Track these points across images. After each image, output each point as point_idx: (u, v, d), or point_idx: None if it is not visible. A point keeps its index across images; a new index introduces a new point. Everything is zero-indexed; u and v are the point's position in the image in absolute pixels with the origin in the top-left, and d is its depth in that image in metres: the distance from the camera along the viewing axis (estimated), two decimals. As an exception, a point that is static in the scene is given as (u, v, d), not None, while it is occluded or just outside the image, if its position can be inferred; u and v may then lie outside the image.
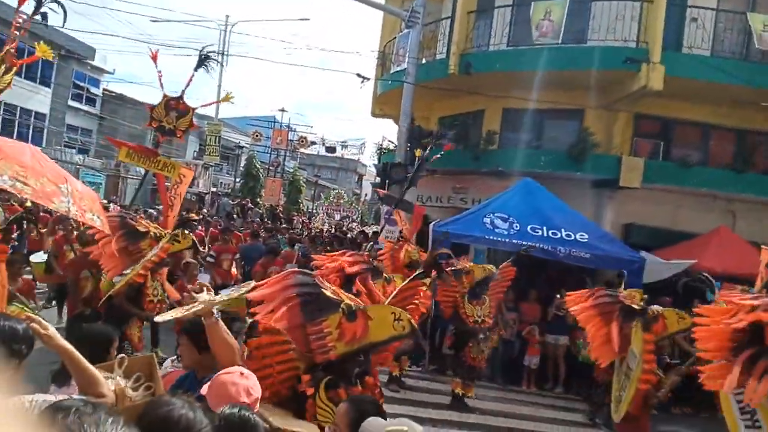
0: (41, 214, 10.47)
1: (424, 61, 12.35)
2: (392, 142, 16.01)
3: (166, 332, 6.54)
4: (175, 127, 7.07)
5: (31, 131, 24.74)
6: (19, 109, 23.96)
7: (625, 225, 10.83)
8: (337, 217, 26.14)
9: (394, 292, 3.99)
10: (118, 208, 14.89)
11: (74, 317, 6.25)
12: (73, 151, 27.13)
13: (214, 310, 2.72)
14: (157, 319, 3.83)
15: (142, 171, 8.45)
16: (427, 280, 4.30)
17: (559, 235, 8.57)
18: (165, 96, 7.06)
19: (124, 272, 5.59)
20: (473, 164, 11.25)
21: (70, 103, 27.34)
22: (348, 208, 28.14)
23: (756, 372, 2.66)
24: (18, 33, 4.20)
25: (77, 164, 25.51)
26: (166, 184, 7.37)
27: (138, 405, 2.32)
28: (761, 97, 9.83)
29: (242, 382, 2.30)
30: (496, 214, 8.84)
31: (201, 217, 14.69)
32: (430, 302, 5.81)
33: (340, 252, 6.21)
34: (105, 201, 15.82)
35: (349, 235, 15.83)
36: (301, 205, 35.02)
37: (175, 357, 3.54)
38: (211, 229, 12.04)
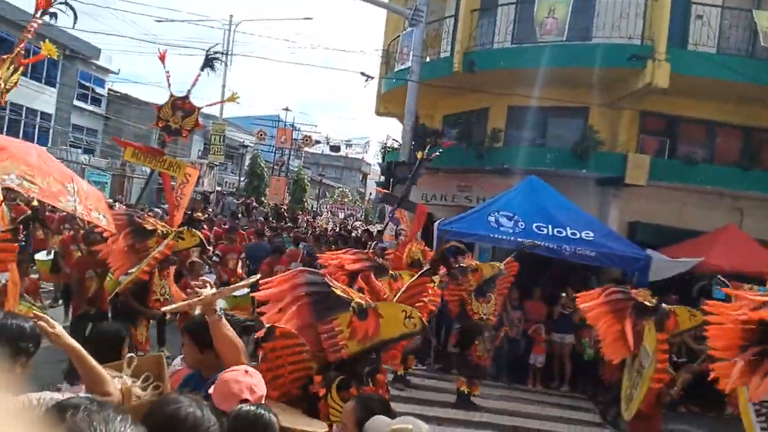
0: (46, 213, 10.52)
1: (428, 59, 12.33)
2: (396, 141, 16.01)
3: (173, 331, 6.57)
4: (181, 127, 7.11)
5: (36, 131, 24.86)
6: (24, 109, 24.07)
7: (631, 223, 10.79)
8: (342, 215, 26.20)
9: (402, 289, 3.99)
10: (124, 207, 14.97)
11: (79, 317, 6.29)
12: (79, 150, 27.25)
13: (218, 308, 2.72)
14: (164, 309, 3.85)
15: (148, 170, 8.50)
16: (436, 278, 4.29)
17: (564, 234, 8.54)
18: (172, 96, 7.09)
19: (130, 271, 5.62)
20: (478, 162, 11.23)
21: (76, 103, 27.45)
22: (352, 207, 28.19)
23: (762, 370, 2.67)
24: (30, 35, 4.23)
25: (83, 164, 25.63)
26: (172, 183, 7.41)
27: (145, 403, 2.33)
28: (767, 94, 9.77)
29: (245, 380, 2.30)
30: (500, 213, 8.81)
31: (206, 216, 14.74)
32: (439, 300, 5.81)
33: (344, 250, 6.22)
34: (110, 200, 15.88)
35: (353, 234, 15.85)
36: (306, 204, 35.06)
37: (182, 356, 3.55)
38: (215, 228, 12.09)
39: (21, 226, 7.78)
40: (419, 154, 8.92)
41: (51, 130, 25.87)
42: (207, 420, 1.74)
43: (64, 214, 9.89)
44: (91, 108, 28.75)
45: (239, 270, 9.75)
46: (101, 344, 3.13)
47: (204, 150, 29.28)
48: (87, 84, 28.23)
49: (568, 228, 8.62)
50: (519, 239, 8.29)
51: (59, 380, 4.44)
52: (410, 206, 9.09)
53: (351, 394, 2.91)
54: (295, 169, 36.66)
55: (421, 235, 9.01)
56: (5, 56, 4.16)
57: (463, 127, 12.21)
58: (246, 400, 2.20)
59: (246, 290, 8.19)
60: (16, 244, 3.99)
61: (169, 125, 7.09)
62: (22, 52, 4.16)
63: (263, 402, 2.28)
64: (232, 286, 3.44)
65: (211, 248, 8.74)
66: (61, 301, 8.87)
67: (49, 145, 23.85)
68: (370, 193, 45.79)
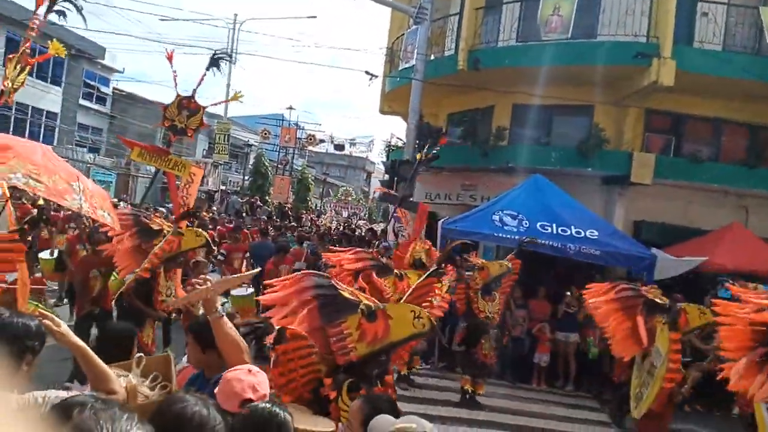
0: (51, 213, 10.57)
1: (432, 57, 12.32)
2: (401, 140, 16.01)
3: (177, 331, 6.58)
4: (186, 126, 7.13)
5: (42, 130, 24.97)
6: (30, 108, 24.18)
7: (636, 222, 10.75)
8: (345, 214, 26.21)
9: (410, 290, 3.99)
10: (129, 206, 15.02)
11: (83, 317, 6.30)
12: (84, 149, 27.35)
13: (219, 306, 2.71)
14: (165, 306, 3.85)
15: (153, 170, 8.54)
16: (445, 283, 4.27)
17: (569, 232, 8.52)
18: (178, 95, 7.12)
19: (136, 271, 5.63)
20: (482, 161, 11.21)
21: (81, 102, 27.56)
22: (356, 206, 28.19)
23: (767, 370, 2.68)
24: (32, 33, 4.25)
25: (88, 163, 25.73)
26: (177, 182, 7.44)
27: (151, 402, 2.34)
28: (774, 92, 9.73)
29: (248, 379, 2.29)
30: (505, 211, 8.80)
31: (210, 215, 14.77)
32: (447, 306, 5.84)
33: (347, 249, 6.23)
34: (115, 200, 15.93)
35: (357, 233, 15.86)
36: (310, 202, 35.09)
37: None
38: (219, 227, 12.11)
39: (28, 227, 7.80)
40: (418, 156, 8.92)
41: (56, 129, 25.98)
42: (213, 419, 1.75)
43: (69, 213, 9.94)
44: (96, 107, 28.86)
45: (243, 269, 9.77)
46: (112, 343, 3.15)
47: (208, 149, 29.35)
48: (92, 83, 28.34)
49: (572, 227, 8.60)
50: (523, 238, 8.28)
51: (64, 378, 4.45)
52: (411, 206, 9.08)
53: None
54: (299, 168, 36.69)
55: (425, 234, 9.00)
56: (11, 56, 4.18)
57: (468, 126, 12.19)
58: (249, 400, 2.20)
59: (249, 290, 8.23)
60: (24, 245, 4.00)
61: (174, 125, 7.12)
62: (28, 51, 4.17)
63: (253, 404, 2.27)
64: (227, 277, 3.42)
65: (215, 248, 8.75)
66: (66, 300, 8.91)
67: (54, 144, 23.93)
68: (374, 192, 45.78)
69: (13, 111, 22.16)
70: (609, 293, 5.21)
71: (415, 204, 9.09)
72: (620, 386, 7.01)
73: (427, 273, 4.18)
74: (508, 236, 8.46)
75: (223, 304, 2.79)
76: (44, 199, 10.61)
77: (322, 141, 33.57)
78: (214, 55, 7.39)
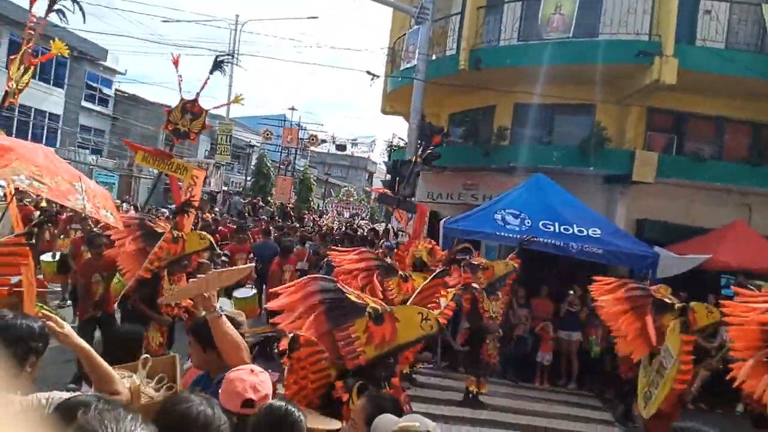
0: (57, 215, 10.60)
1: (434, 57, 12.31)
2: (402, 140, 16.01)
3: (181, 332, 6.59)
4: (189, 130, 7.18)
5: (45, 132, 25.04)
6: (33, 110, 24.24)
7: (638, 220, 10.73)
8: (347, 214, 26.21)
9: (416, 292, 3.98)
10: (132, 208, 15.06)
11: (86, 321, 6.30)
12: (87, 151, 27.42)
13: (217, 306, 2.71)
14: (160, 300, 3.84)
15: (155, 171, 8.58)
16: (451, 291, 4.27)
17: (571, 231, 8.51)
18: (182, 99, 7.16)
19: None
20: (484, 160, 11.21)
21: (83, 103, 27.61)
22: (357, 206, 28.19)
23: None
24: (33, 32, 4.26)
25: (90, 164, 25.79)
26: (179, 183, 7.48)
27: (156, 402, 2.35)
28: (777, 90, 9.71)
29: (250, 379, 2.30)
30: (507, 210, 8.80)
31: (213, 216, 14.79)
32: (451, 313, 5.84)
33: (351, 249, 6.22)
34: (118, 201, 15.96)
35: (359, 233, 15.86)
36: (312, 203, 35.10)
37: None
38: (221, 227, 12.12)
39: (36, 229, 7.83)
40: (413, 157, 8.93)
41: (59, 131, 26.04)
42: (218, 418, 1.75)
43: (71, 214, 9.98)
44: (98, 109, 28.92)
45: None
46: (119, 346, 3.16)
47: (211, 150, 29.39)
48: (94, 85, 28.40)
49: (575, 225, 8.60)
50: (524, 237, 8.28)
51: (67, 380, 4.47)
52: (409, 206, 9.08)
53: None
54: (302, 169, 36.70)
55: (427, 234, 9.01)
56: (14, 56, 4.20)
57: (470, 125, 12.19)
58: (250, 400, 2.21)
59: (252, 292, 8.24)
60: (31, 248, 4.02)
61: (178, 128, 7.17)
62: (30, 51, 4.19)
63: (269, 401, 2.28)
64: (222, 270, 3.40)
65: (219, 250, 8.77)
66: (69, 302, 8.93)
67: (57, 146, 24.01)
68: (372, 193, 45.74)
69: (17, 113, 22.22)
70: (618, 292, 5.21)
71: (413, 204, 9.09)
72: (623, 384, 7.01)
73: (433, 275, 4.18)
74: (511, 235, 8.45)
75: (221, 308, 2.77)
76: (47, 201, 10.66)
77: (324, 141, 33.58)
78: (217, 58, 7.44)
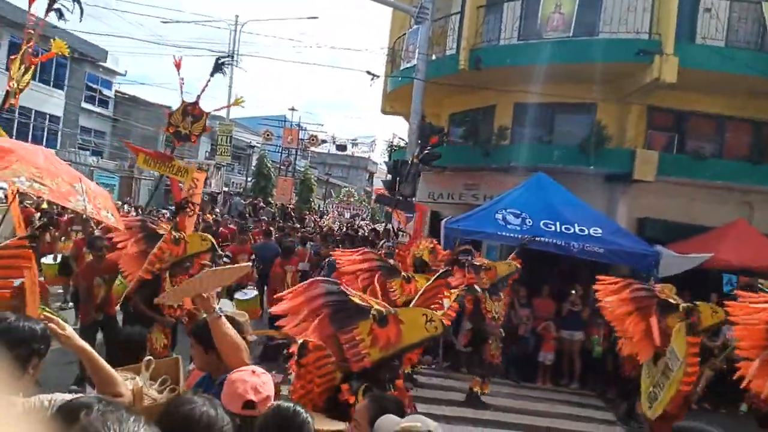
0: (55, 217, 10.60)
1: (434, 57, 12.30)
2: (403, 140, 16.01)
3: (183, 333, 6.59)
4: (190, 132, 7.20)
5: (45, 134, 25.06)
6: (33, 112, 24.26)
7: (639, 219, 10.72)
8: (348, 215, 26.19)
9: (420, 293, 3.98)
10: (133, 210, 15.08)
11: (89, 325, 6.30)
12: (87, 153, 27.44)
13: (216, 307, 2.71)
14: (157, 301, 3.81)
15: (156, 173, 8.61)
16: (454, 292, 4.27)
17: (572, 230, 8.50)
18: (183, 102, 7.17)
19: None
20: (484, 160, 11.20)
21: (84, 105, 27.64)
22: (358, 207, 28.17)
23: None
24: (33, 32, 4.26)
25: (91, 166, 25.81)
26: (180, 185, 7.49)
27: (159, 404, 2.34)
28: (777, 88, 9.69)
29: (251, 380, 2.29)
30: (508, 210, 8.79)
31: (213, 217, 14.80)
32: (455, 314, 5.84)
33: (354, 250, 6.21)
34: (119, 202, 15.96)
35: (360, 233, 15.86)
36: (313, 203, 35.11)
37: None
38: (221, 229, 12.13)
39: (39, 232, 7.85)
40: (411, 158, 8.94)
41: (59, 133, 26.06)
42: (221, 420, 1.75)
43: (72, 216, 9.98)
44: (98, 110, 28.94)
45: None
46: (121, 347, 3.16)
47: (211, 151, 29.40)
48: (94, 86, 28.43)
49: (576, 225, 8.59)
50: (527, 236, 8.27)
51: (69, 382, 4.46)
52: (407, 206, 9.07)
53: None
54: (302, 169, 36.71)
55: (429, 234, 9.00)
56: (14, 56, 4.20)
57: (470, 125, 12.18)
58: (250, 401, 2.20)
59: (253, 293, 8.24)
60: (34, 251, 4.02)
61: (179, 131, 7.18)
62: (30, 50, 4.19)
63: (270, 403, 2.28)
64: (217, 269, 3.37)
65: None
66: (71, 304, 8.93)
67: (57, 147, 24.03)
68: (382, 191, 45.62)
69: (17, 115, 22.24)
70: (623, 293, 5.20)
71: (411, 204, 9.09)
72: (626, 383, 7.00)
73: (436, 276, 4.18)
74: (512, 235, 8.45)
75: (220, 309, 2.76)
76: (48, 203, 10.65)
77: (324, 142, 33.59)
78: (218, 60, 7.46)
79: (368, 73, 13.25)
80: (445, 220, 9.31)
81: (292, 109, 34.02)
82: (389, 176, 10.11)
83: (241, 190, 32.09)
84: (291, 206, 25.26)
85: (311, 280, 3.48)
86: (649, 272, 8.19)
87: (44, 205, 11.02)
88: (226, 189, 27.50)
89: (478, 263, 7.32)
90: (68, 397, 1.98)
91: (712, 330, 5.68)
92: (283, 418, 2.11)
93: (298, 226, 17.41)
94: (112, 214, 4.14)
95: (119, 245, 5.75)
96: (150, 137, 27.57)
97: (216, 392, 2.34)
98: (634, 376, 5.73)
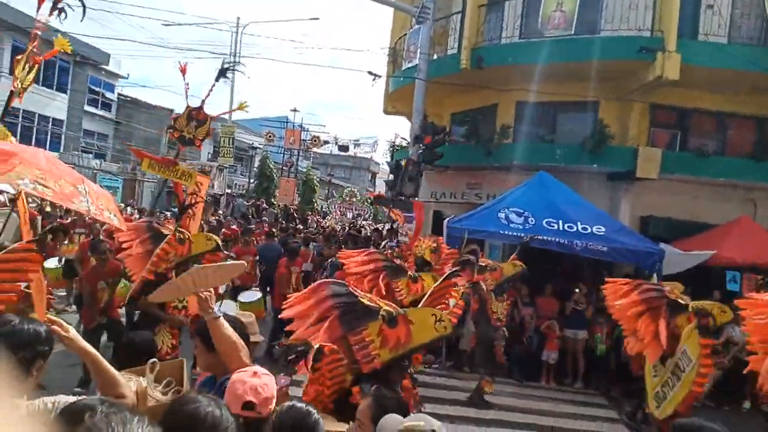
0: (57, 220, 10.63)
1: (435, 56, 12.30)
2: (405, 140, 16.00)
3: (185, 335, 6.60)
4: (194, 137, 7.21)
5: (48, 137, 25.15)
6: (36, 116, 24.35)
7: (643, 217, 10.70)
8: (350, 215, 26.18)
9: (428, 293, 3.98)
10: (136, 212, 15.10)
11: (93, 329, 6.31)
12: (90, 155, 27.51)
13: (215, 308, 2.70)
14: (150, 297, 3.79)
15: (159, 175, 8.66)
16: (460, 290, 4.27)
17: (575, 229, 8.48)
18: (188, 107, 7.20)
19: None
20: (487, 159, 11.19)
21: (87, 108, 27.72)
22: (360, 207, 28.17)
23: None
24: (40, 30, 4.28)
25: (94, 169, 25.87)
26: (184, 188, 7.51)
27: (162, 404, 2.35)
28: (780, 84, 9.65)
29: (251, 381, 2.28)
30: (511, 209, 8.78)
31: (216, 218, 14.81)
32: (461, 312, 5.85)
33: (360, 250, 6.21)
34: (122, 205, 15.99)
35: (363, 233, 15.85)
36: (315, 204, 35.12)
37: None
38: (224, 230, 12.14)
39: (48, 236, 7.87)
40: (404, 162, 8.95)
41: (63, 136, 26.15)
42: (226, 420, 1.76)
43: (75, 218, 10.00)
44: (101, 113, 29.03)
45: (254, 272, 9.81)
46: (132, 354, 3.16)
47: (214, 153, 29.43)
48: (97, 89, 28.51)
49: (579, 223, 8.57)
50: (525, 237, 8.25)
51: (73, 384, 4.46)
52: (404, 205, 9.07)
53: None
54: (304, 170, 36.73)
55: (432, 233, 8.99)
56: (19, 57, 4.22)
57: (472, 125, 12.16)
58: (250, 402, 2.20)
59: (258, 295, 8.25)
60: (42, 255, 4.03)
61: (183, 135, 7.20)
62: (36, 50, 4.21)
63: (271, 404, 2.28)
64: (206, 266, 3.34)
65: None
66: (74, 307, 8.95)
67: (60, 150, 24.11)
68: (379, 193, 45.71)
69: (20, 119, 22.32)
70: (632, 295, 5.19)
71: (408, 202, 9.09)
72: (633, 382, 6.97)
73: (444, 276, 4.18)
74: (515, 233, 8.43)
75: (219, 309, 2.75)
76: (51, 205, 10.67)
77: (326, 142, 33.61)
78: (223, 65, 7.49)
79: (370, 73, 13.25)
80: (447, 219, 9.30)
81: (294, 110, 34.00)
82: (391, 176, 10.11)
83: (244, 191, 32.13)
84: (294, 207, 25.27)
85: (318, 282, 3.48)
86: (652, 270, 8.18)
87: (48, 208, 11.04)
88: (228, 190, 27.54)
89: (483, 264, 7.32)
90: (71, 399, 1.99)
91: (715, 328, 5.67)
92: (297, 418, 2.16)
93: (301, 227, 17.42)
94: (114, 216, 4.16)
95: (124, 245, 5.76)
96: (152, 139, 27.64)
97: (218, 393, 2.34)
98: (641, 375, 5.72)
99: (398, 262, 6.32)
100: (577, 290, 8.81)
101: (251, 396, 2.22)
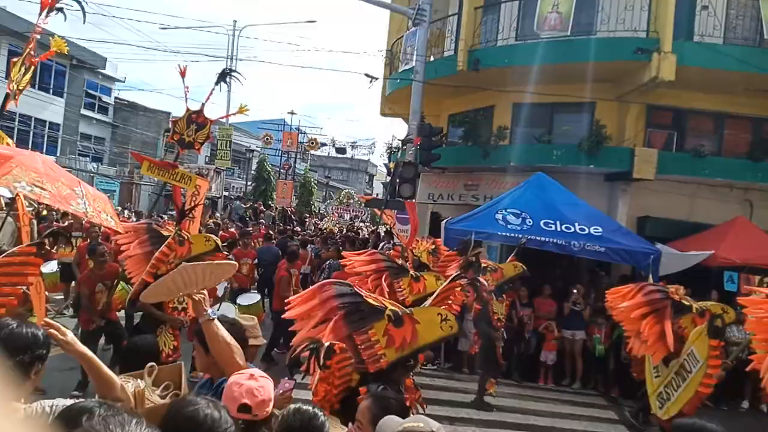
0: (53, 223, 10.61)
1: (432, 58, 12.31)
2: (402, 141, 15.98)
3: (184, 338, 6.58)
4: (194, 140, 7.21)
5: (45, 141, 25.11)
6: (33, 119, 24.31)
7: (640, 218, 10.71)
8: (347, 216, 26.21)
9: (434, 296, 3.98)
10: (133, 215, 15.09)
11: (92, 331, 6.30)
12: (87, 159, 27.48)
13: (209, 310, 2.70)
14: (141, 297, 3.76)
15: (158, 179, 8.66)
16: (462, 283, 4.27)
17: (572, 229, 8.49)
18: (188, 110, 7.19)
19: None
20: (484, 161, 11.20)
21: (83, 112, 27.69)
22: (358, 209, 28.19)
23: None
24: (36, 35, 4.28)
25: (91, 172, 25.85)
26: (182, 191, 7.52)
27: (159, 407, 2.34)
28: (776, 84, 9.69)
29: (247, 383, 2.28)
30: (508, 210, 8.78)
31: (214, 221, 14.80)
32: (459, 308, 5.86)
33: (362, 251, 6.20)
34: (119, 208, 15.96)
35: (360, 235, 15.85)
36: (313, 206, 35.12)
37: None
38: (221, 232, 12.14)
39: (47, 240, 7.83)
40: (391, 164, 8.96)
41: (59, 140, 26.11)
42: (225, 421, 1.76)
43: (71, 221, 9.98)
44: (98, 116, 29.00)
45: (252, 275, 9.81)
46: (135, 358, 3.15)
47: (211, 156, 29.41)
48: (94, 93, 28.48)
49: (576, 224, 8.58)
50: (527, 236, 8.26)
51: (71, 387, 4.45)
52: (398, 205, 9.07)
53: None
54: (302, 172, 36.74)
55: (429, 233, 8.99)
56: (15, 59, 4.21)
57: (469, 126, 12.18)
58: (245, 405, 2.20)
59: (256, 298, 8.23)
60: (42, 259, 4.02)
61: (183, 138, 7.19)
62: (32, 52, 4.21)
63: (268, 407, 2.27)
64: (195, 263, 3.32)
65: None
66: (71, 310, 8.92)
67: (57, 154, 24.08)
68: (377, 194, 45.79)
69: (17, 123, 22.28)
70: (636, 297, 5.19)
71: (401, 203, 9.09)
72: (631, 383, 6.96)
73: (450, 278, 4.19)
74: (512, 235, 8.44)
75: (214, 312, 2.74)
76: (47, 209, 10.64)
77: (323, 145, 33.68)
78: (223, 71, 7.52)
79: (367, 75, 13.30)
80: (445, 220, 9.30)
81: (291, 113, 34.20)
82: (389, 178, 10.12)
83: (242, 194, 32.10)
84: (291, 209, 25.27)
85: (322, 282, 3.47)
86: (647, 270, 8.21)
87: (44, 212, 11.02)
88: (226, 193, 27.52)
89: (484, 265, 7.32)
90: (69, 402, 1.98)
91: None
92: (303, 420, 2.19)
93: (299, 229, 17.42)
94: (111, 218, 4.15)
95: (122, 248, 5.75)
96: (149, 143, 27.62)
97: (215, 395, 2.34)
98: (642, 380, 5.72)
99: (400, 261, 6.32)
100: (574, 291, 8.82)
101: (247, 398, 2.22)
